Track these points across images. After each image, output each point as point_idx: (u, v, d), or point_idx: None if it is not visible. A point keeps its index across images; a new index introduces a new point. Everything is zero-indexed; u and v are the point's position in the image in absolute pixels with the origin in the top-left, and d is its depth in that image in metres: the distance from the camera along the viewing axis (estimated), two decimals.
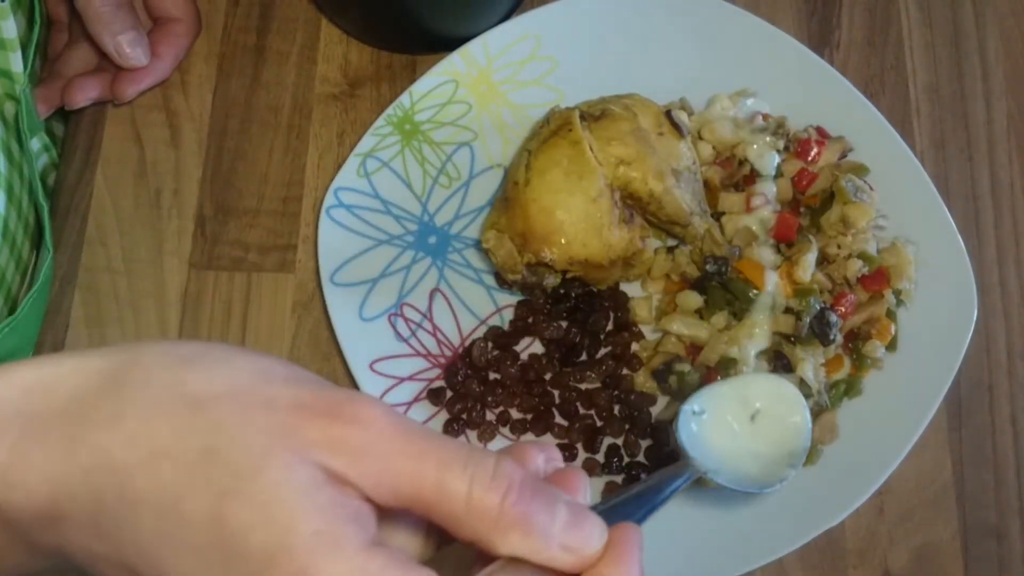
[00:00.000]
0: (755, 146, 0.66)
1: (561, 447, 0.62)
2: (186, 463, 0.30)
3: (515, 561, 0.31)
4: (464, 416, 0.62)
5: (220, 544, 0.30)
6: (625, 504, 0.39)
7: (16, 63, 0.62)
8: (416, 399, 0.62)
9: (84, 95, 0.67)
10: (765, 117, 0.67)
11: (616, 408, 0.63)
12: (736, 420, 0.54)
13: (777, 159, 0.65)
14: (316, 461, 0.30)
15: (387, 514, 0.32)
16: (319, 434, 0.31)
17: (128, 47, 0.65)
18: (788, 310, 0.62)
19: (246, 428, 0.30)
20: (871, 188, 0.65)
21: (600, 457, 0.62)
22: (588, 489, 0.35)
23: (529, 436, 0.63)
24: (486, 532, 0.31)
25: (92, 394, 0.32)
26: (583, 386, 0.64)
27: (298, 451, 0.30)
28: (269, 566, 0.29)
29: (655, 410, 0.64)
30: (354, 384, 0.62)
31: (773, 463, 0.54)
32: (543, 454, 0.36)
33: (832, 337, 0.61)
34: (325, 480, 0.30)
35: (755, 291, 0.62)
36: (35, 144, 0.68)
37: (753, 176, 0.66)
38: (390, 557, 0.30)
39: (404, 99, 0.68)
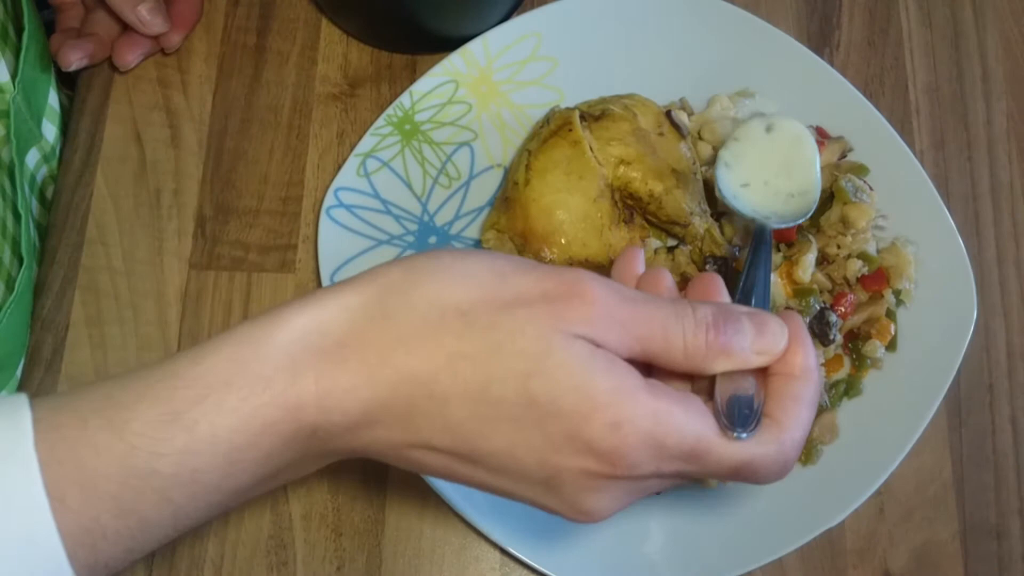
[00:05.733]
0: None
1: None
2: (481, 359, 0.37)
3: (727, 374, 0.41)
4: None
5: (534, 412, 0.37)
6: (754, 292, 0.50)
7: (2, 74, 0.62)
8: None
9: (135, 53, 0.69)
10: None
11: None
12: (763, 167, 0.61)
13: None
14: (580, 335, 0.38)
15: None
16: (574, 315, 0.38)
17: (149, 15, 0.66)
18: (788, 310, 0.62)
19: (517, 323, 0.38)
20: (871, 188, 0.65)
21: None
22: (724, 286, 0.44)
23: None
24: (700, 365, 0.40)
25: (367, 327, 0.38)
26: None
27: (565, 331, 0.38)
28: (586, 420, 0.37)
29: None
30: None
31: (800, 196, 0.60)
32: (668, 275, 0.44)
33: (832, 337, 0.61)
34: (594, 348, 0.38)
35: None
36: (35, 155, 0.67)
37: None
38: (668, 394, 0.39)
39: (404, 99, 0.68)
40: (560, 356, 0.37)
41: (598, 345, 0.38)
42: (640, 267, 0.46)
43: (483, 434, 0.38)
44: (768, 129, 0.61)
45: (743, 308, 0.42)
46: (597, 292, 0.39)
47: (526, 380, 0.37)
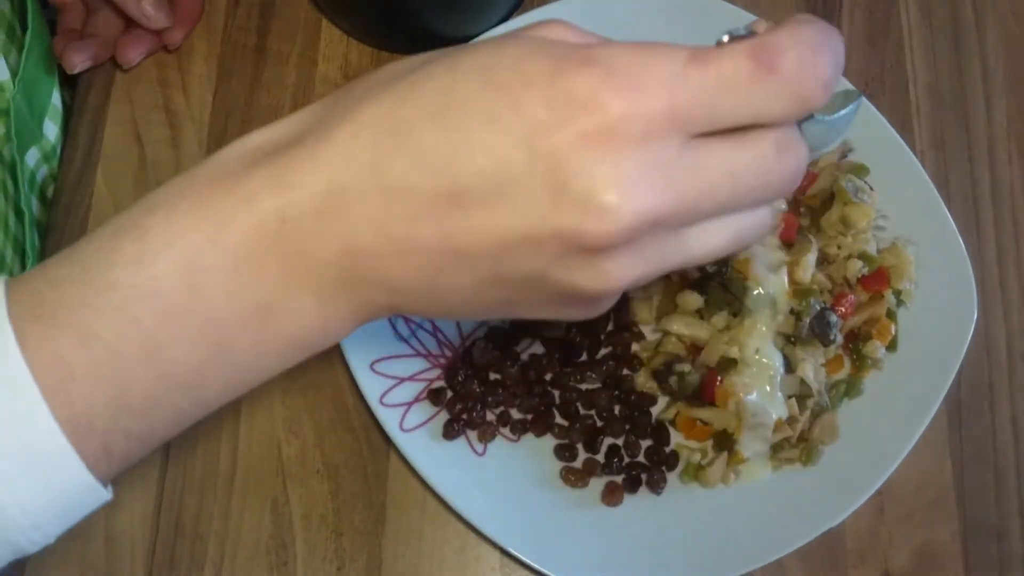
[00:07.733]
0: None
1: (561, 447, 0.63)
2: (440, 76, 0.34)
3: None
4: (464, 416, 0.62)
5: (505, 99, 0.33)
6: None
7: (1, 72, 0.62)
8: (416, 399, 0.62)
9: (137, 50, 0.69)
10: None
11: (616, 408, 0.63)
12: None
13: None
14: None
15: None
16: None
17: (153, 9, 0.67)
18: (789, 310, 0.62)
19: (480, 46, 0.35)
20: (871, 188, 0.65)
21: (600, 457, 0.62)
22: None
23: (529, 436, 0.63)
24: None
25: (326, 110, 0.36)
26: (583, 386, 0.64)
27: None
28: (559, 72, 0.33)
29: (655, 410, 0.64)
30: (354, 384, 0.62)
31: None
32: None
33: (832, 337, 0.61)
34: None
35: (758, 291, 0.62)
36: (35, 154, 0.67)
37: None
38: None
39: None
40: (518, 37, 0.35)
41: None
42: None
43: (460, 153, 0.33)
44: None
45: None
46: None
47: (489, 71, 0.33)
